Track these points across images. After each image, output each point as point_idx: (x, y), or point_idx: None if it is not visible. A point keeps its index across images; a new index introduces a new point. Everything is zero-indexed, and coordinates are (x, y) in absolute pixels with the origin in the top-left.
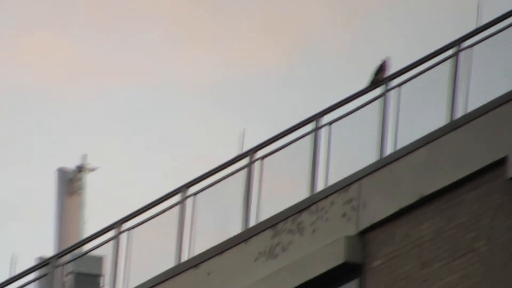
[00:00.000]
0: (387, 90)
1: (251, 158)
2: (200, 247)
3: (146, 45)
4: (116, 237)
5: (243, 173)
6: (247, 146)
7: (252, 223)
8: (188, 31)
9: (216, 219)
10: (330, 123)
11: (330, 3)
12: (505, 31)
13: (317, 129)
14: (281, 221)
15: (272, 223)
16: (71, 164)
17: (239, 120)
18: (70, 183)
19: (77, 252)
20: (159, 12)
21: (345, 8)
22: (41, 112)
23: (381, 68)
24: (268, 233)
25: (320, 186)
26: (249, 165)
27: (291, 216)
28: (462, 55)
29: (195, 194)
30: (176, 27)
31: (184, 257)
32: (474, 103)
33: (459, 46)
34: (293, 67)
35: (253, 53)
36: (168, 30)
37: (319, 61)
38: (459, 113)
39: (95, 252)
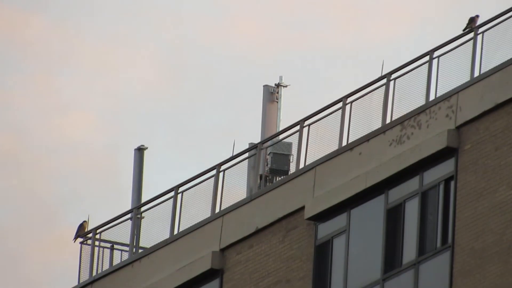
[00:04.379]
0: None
1: (388, 79)
2: (354, 136)
3: None
4: (300, 130)
5: (383, 91)
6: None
7: (387, 120)
8: None
9: (363, 119)
10: (438, 56)
11: None
12: None
13: (431, 59)
14: (407, 119)
15: (401, 121)
16: (272, 82)
17: None
18: (272, 94)
19: (275, 139)
20: None
21: None
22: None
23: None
24: (398, 127)
25: (431, 98)
26: (387, 84)
27: (413, 116)
28: None
29: (351, 102)
30: None
31: (344, 143)
32: None
33: None
34: None
35: None
36: None
37: None
38: None
39: (287, 140)
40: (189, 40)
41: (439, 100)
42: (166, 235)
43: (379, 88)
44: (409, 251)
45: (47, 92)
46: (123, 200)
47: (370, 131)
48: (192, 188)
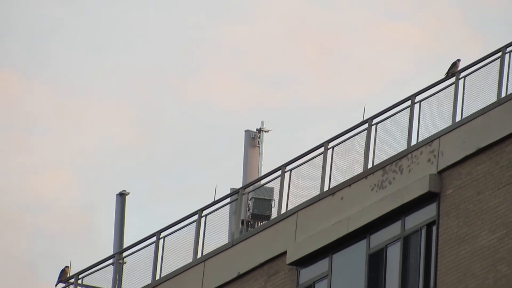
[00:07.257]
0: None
1: (369, 124)
2: (335, 181)
3: None
4: (282, 175)
5: (364, 136)
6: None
7: (369, 165)
8: None
9: (345, 164)
10: (420, 101)
11: None
12: None
13: (413, 104)
14: (388, 164)
15: (382, 166)
16: (253, 127)
17: None
18: (253, 139)
19: (256, 184)
20: None
21: None
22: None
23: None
24: (380, 172)
25: (413, 142)
26: (368, 129)
27: (394, 161)
28: None
29: (332, 147)
30: None
31: (325, 188)
32: None
33: None
34: None
35: None
36: None
37: None
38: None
39: (268, 185)
40: (168, 90)
41: (421, 144)
42: (148, 280)
43: (361, 133)
44: None
45: (21, 150)
46: (103, 254)
47: (352, 176)
48: (174, 234)
